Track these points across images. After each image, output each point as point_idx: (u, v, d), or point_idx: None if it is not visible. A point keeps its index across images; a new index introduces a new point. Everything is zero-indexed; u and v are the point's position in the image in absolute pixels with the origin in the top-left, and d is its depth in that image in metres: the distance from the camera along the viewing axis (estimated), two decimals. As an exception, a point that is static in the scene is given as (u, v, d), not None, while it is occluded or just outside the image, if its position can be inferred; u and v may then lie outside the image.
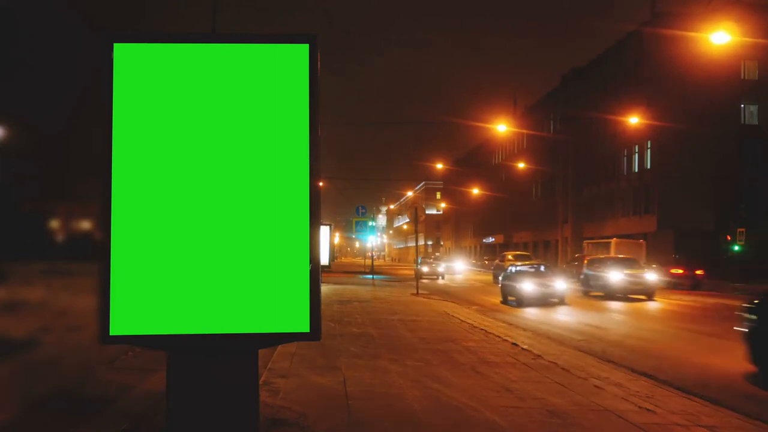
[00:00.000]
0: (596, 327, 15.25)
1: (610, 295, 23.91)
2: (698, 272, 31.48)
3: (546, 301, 20.81)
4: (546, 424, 6.01)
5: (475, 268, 64.48)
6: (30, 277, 5.58)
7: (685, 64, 43.92)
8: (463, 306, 19.70)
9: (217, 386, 3.84)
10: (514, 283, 21.50)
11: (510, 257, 39.84)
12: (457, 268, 54.31)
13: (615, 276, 24.13)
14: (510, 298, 21.85)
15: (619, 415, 6.32)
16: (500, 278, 24.01)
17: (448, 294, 26.38)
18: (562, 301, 21.03)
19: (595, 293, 25.35)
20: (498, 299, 23.17)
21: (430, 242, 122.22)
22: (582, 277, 27.32)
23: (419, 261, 38.99)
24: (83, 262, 6.15)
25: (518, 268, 23.11)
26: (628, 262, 25.56)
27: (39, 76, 5.76)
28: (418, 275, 34.99)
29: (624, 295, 23.65)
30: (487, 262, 61.08)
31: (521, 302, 20.70)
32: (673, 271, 32.01)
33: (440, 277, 40.34)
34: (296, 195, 3.79)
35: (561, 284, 21.39)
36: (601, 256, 30.49)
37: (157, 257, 3.71)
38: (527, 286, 20.77)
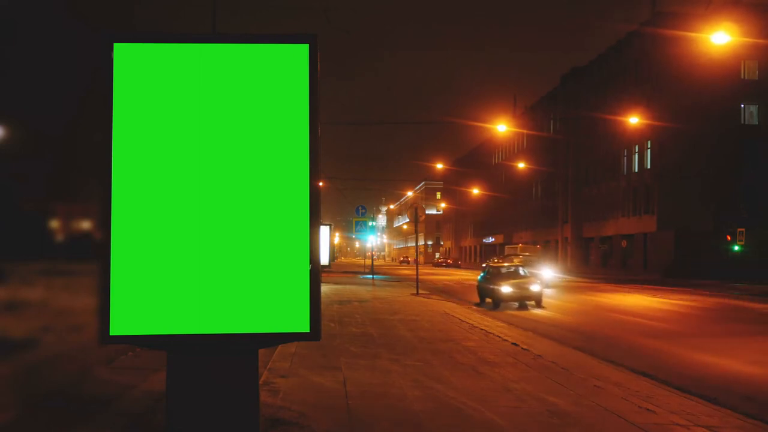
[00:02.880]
0: None
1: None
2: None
3: None
4: (546, 424, 6.01)
5: (567, 276, 41.83)
6: (30, 277, 5.58)
7: (685, 64, 43.94)
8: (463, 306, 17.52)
9: (217, 386, 3.83)
10: None
11: None
12: (545, 277, 30.27)
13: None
14: None
15: (619, 415, 6.32)
16: None
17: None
18: None
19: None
20: None
21: (430, 242, 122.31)
22: None
23: (488, 271, 22.08)
24: (83, 262, 6.16)
25: None
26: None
27: (39, 76, 5.76)
28: (492, 297, 20.30)
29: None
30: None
31: None
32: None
33: (535, 303, 20.11)
34: (296, 195, 3.79)
35: None
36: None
37: (157, 257, 3.71)
38: None
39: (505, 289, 19.88)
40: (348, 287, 26.67)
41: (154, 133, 3.75)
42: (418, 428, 5.78)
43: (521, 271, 21.84)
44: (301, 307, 3.75)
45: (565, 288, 30.92)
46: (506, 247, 48.08)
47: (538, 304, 20.05)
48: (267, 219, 3.77)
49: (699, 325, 16.39)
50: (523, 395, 7.06)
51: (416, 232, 24.88)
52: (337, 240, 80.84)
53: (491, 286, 20.56)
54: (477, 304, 20.95)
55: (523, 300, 20.07)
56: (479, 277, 22.99)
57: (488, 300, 21.03)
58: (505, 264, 23.60)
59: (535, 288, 20.10)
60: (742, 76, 46.30)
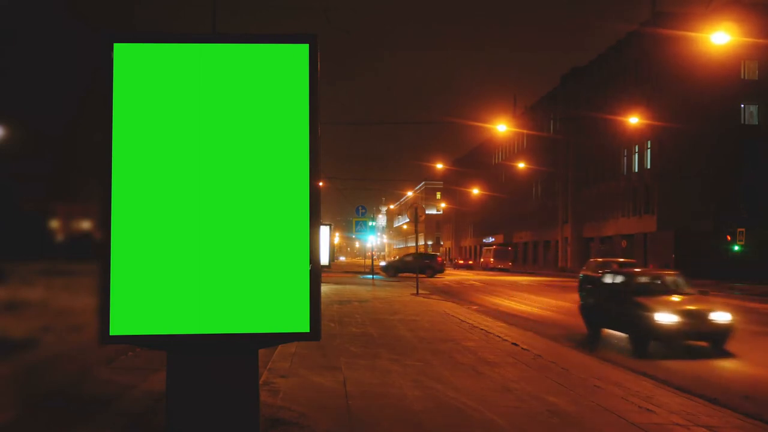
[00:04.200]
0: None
1: None
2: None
3: None
4: (546, 423, 6.01)
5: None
6: (30, 277, 5.58)
7: (685, 64, 43.91)
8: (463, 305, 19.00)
9: (217, 386, 3.84)
10: None
11: None
12: None
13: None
14: None
15: (619, 415, 6.32)
16: None
17: None
18: None
19: None
20: None
21: (430, 242, 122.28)
22: None
23: (610, 281, 13.07)
24: (83, 262, 6.16)
25: None
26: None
27: (39, 76, 5.76)
28: (632, 332, 11.25)
29: None
30: None
31: None
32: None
33: (714, 344, 10.97)
34: (296, 195, 3.79)
35: None
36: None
37: (157, 257, 3.71)
38: None
39: (666, 317, 10.74)
40: (348, 287, 26.66)
41: (154, 133, 3.75)
42: (418, 428, 5.78)
43: (675, 280, 12.48)
44: (301, 307, 3.76)
45: (560, 287, 30.92)
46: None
47: (720, 346, 11.01)
48: (267, 219, 3.77)
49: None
50: (523, 395, 7.06)
51: (416, 232, 24.86)
52: (337, 240, 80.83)
53: (635, 312, 11.21)
54: (587, 343, 12.01)
55: (700, 338, 11.13)
56: (581, 291, 13.42)
57: (609, 331, 12.45)
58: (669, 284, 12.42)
59: (722, 318, 10.98)
60: (742, 76, 46.24)
